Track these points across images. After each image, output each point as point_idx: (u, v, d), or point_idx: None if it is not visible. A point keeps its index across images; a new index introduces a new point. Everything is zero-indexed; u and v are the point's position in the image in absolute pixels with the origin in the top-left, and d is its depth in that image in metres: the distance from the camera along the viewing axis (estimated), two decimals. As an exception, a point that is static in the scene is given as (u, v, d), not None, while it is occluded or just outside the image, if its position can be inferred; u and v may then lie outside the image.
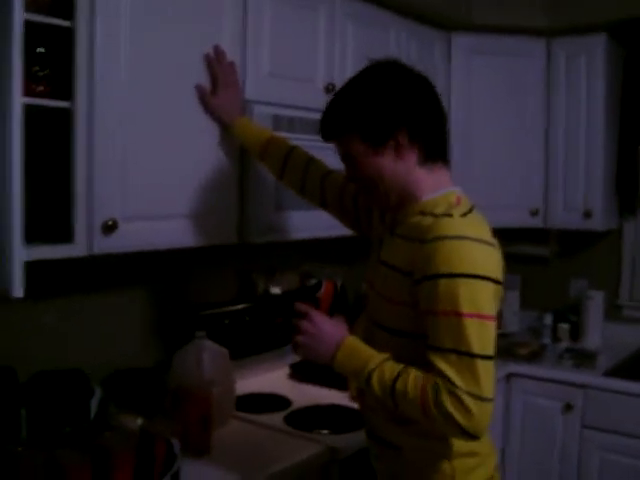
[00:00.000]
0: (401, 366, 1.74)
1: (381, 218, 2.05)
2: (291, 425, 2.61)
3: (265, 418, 2.68)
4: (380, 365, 1.75)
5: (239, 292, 3.21)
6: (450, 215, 1.74)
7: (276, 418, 2.68)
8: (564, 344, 3.95)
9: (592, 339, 3.96)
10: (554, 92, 3.82)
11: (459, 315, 1.65)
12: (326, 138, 1.94)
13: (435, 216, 1.76)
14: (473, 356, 1.64)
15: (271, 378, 3.18)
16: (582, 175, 3.78)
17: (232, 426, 2.60)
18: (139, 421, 2.18)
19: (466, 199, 1.85)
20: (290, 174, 2.42)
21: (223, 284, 3.15)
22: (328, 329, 1.85)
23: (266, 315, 3.20)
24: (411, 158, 1.83)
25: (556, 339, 4.00)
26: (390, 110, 1.80)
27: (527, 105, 3.84)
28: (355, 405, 2.77)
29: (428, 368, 1.69)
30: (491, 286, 1.69)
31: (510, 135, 3.82)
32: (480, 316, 1.66)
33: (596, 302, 3.97)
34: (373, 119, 1.81)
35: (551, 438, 3.58)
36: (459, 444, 1.84)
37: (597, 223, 3.79)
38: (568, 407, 3.52)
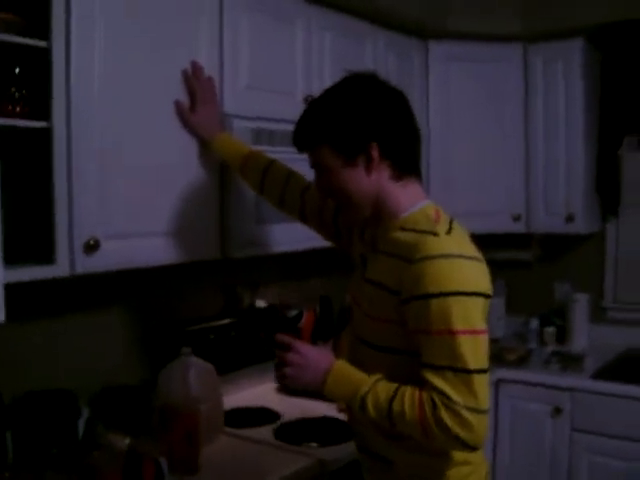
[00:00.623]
0: (394, 386, 1.74)
1: (361, 234, 2.05)
2: (280, 439, 2.61)
3: (254, 432, 2.67)
4: (373, 387, 1.75)
5: (224, 307, 3.20)
6: (435, 234, 1.74)
7: (265, 432, 2.67)
8: (550, 348, 3.96)
9: (578, 342, 3.97)
10: (532, 97, 3.84)
11: (453, 333, 1.66)
12: (299, 148, 1.94)
13: (418, 232, 1.77)
14: (469, 372, 1.66)
15: (259, 392, 3.17)
16: (563, 179, 3.80)
17: (221, 442, 2.59)
18: (127, 440, 2.16)
19: (443, 212, 1.86)
20: (270, 188, 2.42)
21: (208, 299, 3.14)
22: (314, 357, 1.85)
23: (252, 329, 3.19)
24: (382, 173, 1.84)
25: (542, 343, 4.01)
26: (363, 124, 1.81)
27: (506, 111, 3.85)
28: (344, 417, 2.79)
29: (419, 384, 1.71)
30: (481, 301, 1.71)
31: (490, 141, 3.83)
32: (473, 332, 1.68)
33: (581, 305, 3.98)
34: (345, 131, 1.81)
35: (541, 442, 3.58)
36: (452, 454, 1.85)
37: (579, 226, 3.81)
38: (557, 411, 3.52)
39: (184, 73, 2.42)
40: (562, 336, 4.03)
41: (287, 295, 3.48)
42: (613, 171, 4.00)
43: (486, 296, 1.73)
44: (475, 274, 1.73)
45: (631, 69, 3.89)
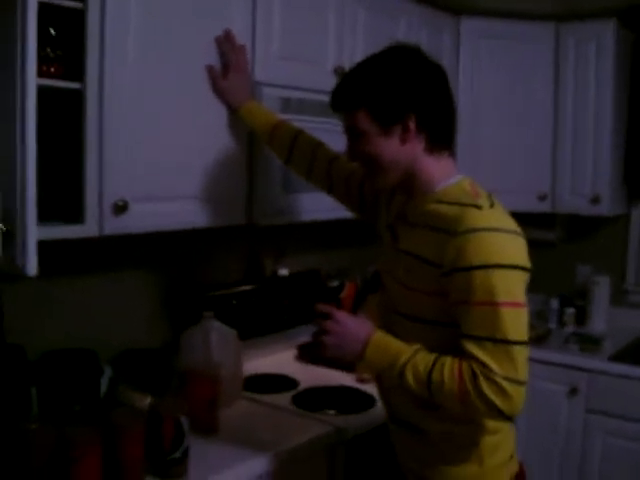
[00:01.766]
0: (434, 356, 1.75)
1: (387, 205, 2.07)
2: (298, 405, 2.64)
3: (272, 398, 2.71)
4: (412, 357, 1.76)
5: (247, 273, 3.23)
6: (479, 207, 1.75)
7: (283, 398, 2.70)
8: (570, 328, 3.96)
9: (598, 324, 3.97)
10: (562, 77, 3.81)
11: (495, 305, 1.68)
12: (335, 109, 1.93)
13: (460, 205, 1.77)
14: (509, 343, 1.68)
15: (279, 359, 3.20)
16: (590, 160, 3.77)
17: (240, 406, 2.63)
18: (148, 399, 2.20)
19: (479, 187, 1.86)
20: (296, 158, 2.44)
21: (231, 265, 3.17)
22: (354, 327, 1.85)
23: (274, 296, 3.22)
24: (417, 145, 1.85)
25: (562, 323, 4.01)
26: (403, 93, 1.81)
27: (535, 90, 3.82)
28: (362, 386, 2.82)
29: (456, 355, 1.73)
30: (523, 274, 1.73)
31: (518, 119, 3.81)
32: (515, 304, 1.70)
33: (602, 287, 3.98)
34: (385, 98, 1.82)
35: (555, 422, 3.60)
36: (484, 423, 1.88)
37: (605, 209, 3.79)
38: (573, 391, 3.53)
39: (217, 39, 2.43)
40: (582, 317, 4.03)
41: (311, 264, 3.50)
42: (641, 154, 3.98)
43: (527, 270, 1.74)
44: (517, 248, 1.74)
45: (663, 51, 3.85)
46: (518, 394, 1.68)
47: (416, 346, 1.79)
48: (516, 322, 1.70)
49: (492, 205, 1.78)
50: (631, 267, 4.13)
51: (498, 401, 1.67)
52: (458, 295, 1.73)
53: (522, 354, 1.70)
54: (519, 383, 1.68)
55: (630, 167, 3.97)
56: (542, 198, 3.82)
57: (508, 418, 1.72)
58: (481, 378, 1.67)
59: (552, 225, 4.21)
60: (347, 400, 2.71)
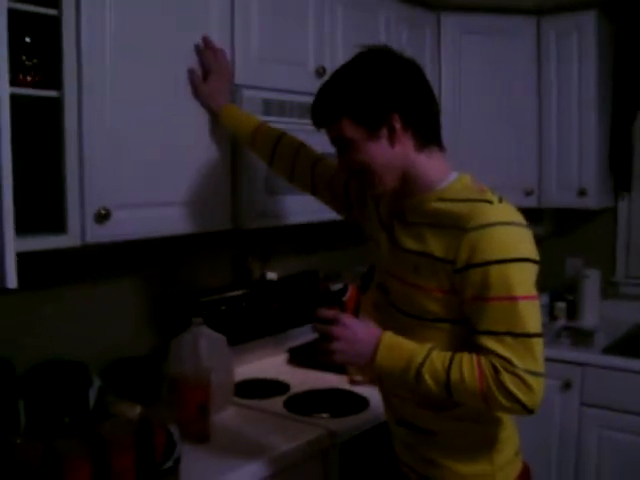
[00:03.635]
0: (449, 354, 1.74)
1: (376, 205, 2.05)
2: (290, 410, 2.62)
3: (264, 403, 2.69)
4: (427, 357, 1.74)
5: (235, 278, 3.21)
6: (490, 202, 1.75)
7: (275, 403, 2.68)
8: (561, 323, 3.95)
9: (589, 317, 3.97)
10: (545, 71, 3.80)
11: (514, 299, 1.68)
12: (319, 124, 1.92)
13: (468, 201, 1.76)
14: (529, 336, 1.69)
15: (269, 363, 3.19)
16: (575, 154, 3.77)
17: (231, 412, 2.61)
18: (138, 409, 2.17)
19: (481, 183, 1.86)
20: (279, 161, 2.42)
21: (219, 270, 3.15)
22: (362, 330, 1.82)
23: (263, 301, 3.20)
24: (406, 144, 1.83)
25: (553, 318, 4.00)
26: (382, 94, 1.80)
27: (518, 84, 3.82)
28: (354, 388, 2.80)
29: (470, 351, 1.73)
30: (534, 267, 1.74)
31: (502, 115, 3.81)
32: (530, 297, 1.71)
33: (592, 280, 3.98)
34: (365, 102, 1.80)
35: (550, 416, 3.58)
36: (491, 421, 1.89)
37: (591, 201, 3.79)
38: (567, 385, 3.53)
39: (198, 46, 2.42)
40: (573, 311, 4.02)
41: (297, 267, 3.49)
42: (626, 146, 3.97)
43: (537, 262, 1.75)
44: (528, 241, 1.75)
45: (645, 42, 3.85)
46: (539, 386, 1.69)
47: (428, 345, 1.77)
48: (533, 314, 1.71)
49: (501, 200, 1.78)
50: (620, 259, 4.14)
51: (521, 394, 1.67)
52: (473, 291, 1.72)
53: (539, 346, 1.71)
54: (539, 375, 1.69)
55: (615, 160, 3.98)
56: (529, 193, 3.83)
57: (530, 411, 1.71)
58: (503, 373, 1.67)
59: (540, 220, 4.21)
60: (340, 403, 2.69)
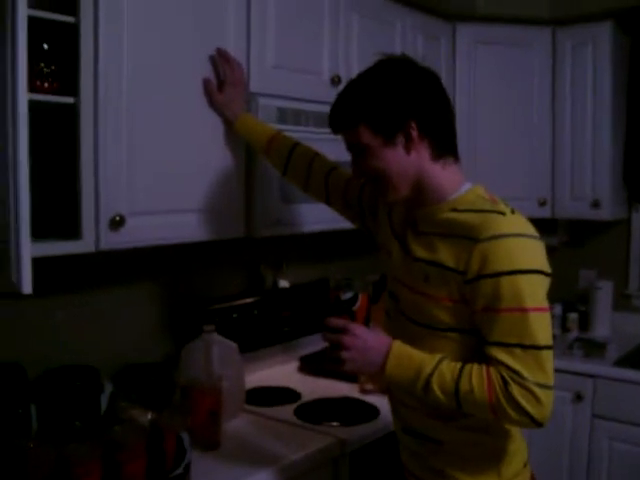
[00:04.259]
0: (459, 365, 1.74)
1: (388, 214, 2.05)
2: (301, 418, 2.61)
3: (275, 411, 2.68)
4: (437, 368, 1.74)
5: (247, 286, 3.22)
6: (502, 213, 1.75)
7: (286, 411, 2.68)
8: (573, 334, 3.94)
9: (601, 329, 3.96)
10: (560, 82, 3.80)
11: (524, 310, 1.68)
12: (336, 130, 1.92)
13: (481, 212, 1.76)
14: (539, 348, 1.68)
15: (280, 371, 3.19)
16: (589, 164, 3.76)
17: (242, 419, 2.61)
18: (149, 415, 2.18)
19: (493, 194, 1.86)
20: (293, 172, 2.43)
21: (231, 278, 3.15)
22: (372, 339, 1.82)
23: (274, 308, 3.20)
24: (422, 153, 1.83)
25: (565, 329, 3.99)
26: (400, 102, 1.80)
27: (533, 95, 3.82)
28: (365, 397, 2.80)
29: (477, 362, 1.72)
30: (546, 279, 1.73)
31: (516, 125, 3.81)
32: (541, 309, 1.70)
33: (605, 292, 3.97)
34: (383, 109, 1.81)
35: (561, 427, 3.57)
36: (500, 433, 1.88)
37: (605, 213, 3.78)
38: (578, 397, 3.52)
39: (214, 55, 2.43)
40: (585, 323, 4.01)
41: (309, 276, 3.49)
42: (640, 158, 3.97)
43: (549, 275, 1.74)
44: (540, 253, 1.74)
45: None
46: (548, 399, 1.68)
47: (438, 356, 1.77)
48: (543, 327, 1.70)
49: (513, 211, 1.78)
50: (634, 271, 4.12)
51: (530, 407, 1.66)
52: (484, 302, 1.71)
53: (549, 358, 1.70)
54: (548, 388, 1.68)
55: (629, 171, 3.96)
56: (542, 203, 3.83)
57: (539, 424, 1.70)
58: (512, 385, 1.66)
59: (554, 230, 4.21)
60: (350, 411, 2.69)
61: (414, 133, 1.80)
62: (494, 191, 1.88)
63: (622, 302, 4.11)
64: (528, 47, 3.78)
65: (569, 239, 4.27)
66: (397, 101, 1.80)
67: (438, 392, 1.73)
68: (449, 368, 1.74)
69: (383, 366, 1.80)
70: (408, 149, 1.82)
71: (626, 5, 3.49)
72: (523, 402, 1.66)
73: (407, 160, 1.83)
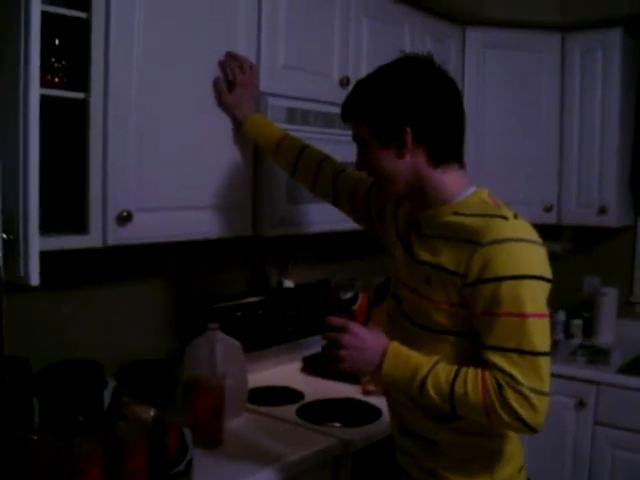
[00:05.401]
0: (454, 367, 1.74)
1: (394, 216, 2.06)
2: (303, 418, 2.61)
3: (277, 411, 2.69)
4: (433, 369, 1.75)
5: (252, 285, 3.22)
6: (505, 217, 1.74)
7: (288, 411, 2.68)
8: (577, 340, 3.94)
9: (605, 336, 3.95)
10: (568, 87, 3.80)
11: (523, 316, 1.68)
12: (344, 119, 1.94)
13: (484, 216, 1.76)
14: (536, 354, 1.67)
15: (283, 371, 3.19)
16: (597, 171, 3.76)
17: (244, 418, 2.61)
18: (152, 412, 2.18)
19: (497, 198, 1.86)
20: (301, 173, 2.44)
21: (236, 277, 3.16)
22: (370, 339, 1.83)
23: (279, 308, 3.21)
24: (418, 158, 1.83)
25: (569, 335, 3.99)
26: (399, 107, 1.80)
27: (541, 100, 3.82)
28: (367, 398, 2.80)
29: (475, 365, 1.72)
30: (546, 285, 1.73)
31: (524, 130, 3.81)
32: (541, 315, 1.70)
33: (609, 299, 3.96)
34: (381, 113, 1.82)
35: (563, 434, 3.57)
36: (496, 436, 1.88)
37: (611, 219, 3.77)
38: (581, 404, 3.51)
39: (224, 57, 2.44)
40: (589, 329, 4.01)
41: (315, 276, 3.49)
42: (648, 165, 3.96)
43: (550, 281, 1.74)
44: (542, 259, 1.73)
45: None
46: (543, 405, 1.67)
47: (435, 358, 1.77)
48: (542, 333, 1.70)
49: (516, 216, 1.77)
50: (638, 279, 4.11)
51: (523, 412, 1.66)
52: (483, 306, 1.71)
53: (546, 365, 1.69)
54: (544, 394, 1.68)
55: (636, 178, 3.95)
56: (548, 209, 3.82)
57: (532, 430, 1.69)
58: (507, 389, 1.66)
59: (559, 236, 4.20)
60: (352, 412, 2.69)
61: (409, 139, 1.80)
62: (500, 195, 1.88)
63: (626, 309, 4.10)
64: (537, 52, 3.78)
65: (573, 246, 4.26)
66: (395, 106, 1.80)
67: (433, 394, 1.74)
68: (445, 371, 1.74)
69: (380, 366, 1.81)
70: (402, 154, 1.82)
71: (637, 11, 3.49)
72: (517, 407, 1.66)
73: (402, 163, 1.83)
